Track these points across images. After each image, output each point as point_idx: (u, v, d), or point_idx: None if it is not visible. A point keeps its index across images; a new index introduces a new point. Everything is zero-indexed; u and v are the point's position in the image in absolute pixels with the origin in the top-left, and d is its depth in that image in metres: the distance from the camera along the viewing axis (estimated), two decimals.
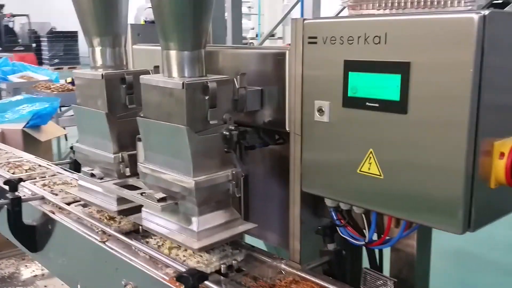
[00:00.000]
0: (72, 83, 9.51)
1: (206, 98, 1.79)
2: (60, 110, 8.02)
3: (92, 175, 2.24)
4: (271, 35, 11.13)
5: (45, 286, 3.39)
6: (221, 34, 3.64)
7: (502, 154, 1.45)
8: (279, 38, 17.24)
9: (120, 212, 2.18)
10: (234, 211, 1.95)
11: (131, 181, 2.20)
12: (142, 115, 2.05)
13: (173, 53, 1.84)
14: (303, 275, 1.78)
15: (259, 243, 2.31)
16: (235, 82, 1.90)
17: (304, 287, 1.70)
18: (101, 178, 2.22)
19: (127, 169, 2.18)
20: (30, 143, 5.33)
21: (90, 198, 2.32)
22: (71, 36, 25.97)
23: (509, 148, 1.44)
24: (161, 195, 1.88)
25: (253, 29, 16.42)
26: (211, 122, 1.81)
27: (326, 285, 1.70)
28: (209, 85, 1.78)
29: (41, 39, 25.92)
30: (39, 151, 4.24)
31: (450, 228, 1.47)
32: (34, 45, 24.71)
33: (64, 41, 25.71)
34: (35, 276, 3.50)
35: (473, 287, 4.18)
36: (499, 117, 1.49)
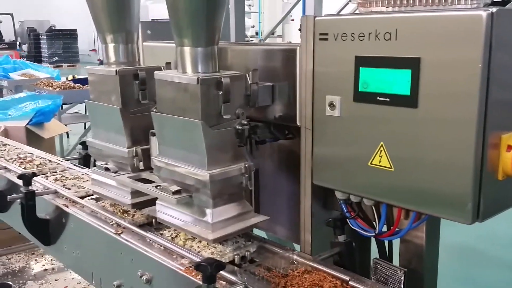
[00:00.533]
0: (74, 80, 9.56)
1: (220, 93, 1.84)
2: (62, 108, 8.07)
3: (107, 169, 2.29)
4: (271, 33, 11.17)
5: (56, 280, 3.44)
6: (224, 32, 3.69)
7: (509, 147, 1.50)
8: (279, 36, 17.29)
9: (134, 205, 2.23)
10: (247, 203, 2.00)
11: (145, 175, 2.25)
12: (155, 110, 2.10)
13: (187, 49, 1.89)
14: (315, 265, 1.82)
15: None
16: (247, 77, 1.95)
17: (316, 276, 1.75)
18: (115, 172, 2.27)
19: (141, 163, 2.23)
20: (33, 140, 5.36)
21: (104, 191, 2.37)
22: (70, 34, 26.01)
23: None
24: (175, 188, 1.93)
25: (253, 27, 16.45)
26: (224, 116, 1.86)
27: (338, 274, 1.75)
28: (223, 80, 1.83)
29: (40, 37, 25.92)
30: (42, 148, 4.27)
31: (459, 219, 1.52)
32: (18, 42, 24.67)
33: (63, 39, 25.74)
34: (45, 270, 3.55)
35: (475, 281, 4.24)
36: (507, 111, 1.54)
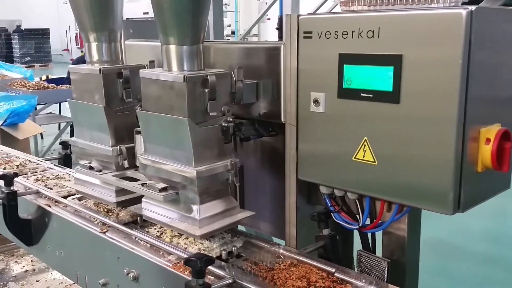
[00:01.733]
0: (47, 80, 9.41)
1: (206, 91, 1.86)
2: (36, 108, 7.95)
3: (91, 168, 2.28)
4: (248, 32, 11.20)
5: (37, 281, 3.40)
6: None
7: (488, 140, 1.56)
8: (255, 35, 17.31)
9: (119, 204, 2.23)
10: (233, 199, 2.03)
11: (129, 173, 2.25)
12: (140, 108, 2.11)
13: (173, 48, 1.90)
14: (301, 258, 1.86)
15: None
16: (233, 75, 1.97)
17: (303, 269, 1.78)
18: (100, 171, 2.27)
19: (125, 162, 2.23)
20: (7, 142, 5.28)
21: (88, 190, 2.36)
22: (43, 34, 25.55)
23: (495, 134, 1.56)
24: (162, 185, 1.95)
25: (229, 26, 16.44)
26: (210, 114, 1.88)
27: (323, 267, 1.79)
28: (209, 78, 1.85)
29: (12, 36, 25.40)
30: (16, 150, 4.22)
31: (441, 210, 1.58)
32: None
33: (35, 38, 25.27)
34: (26, 271, 3.51)
35: (451, 275, 4.35)
36: (485, 106, 1.60)
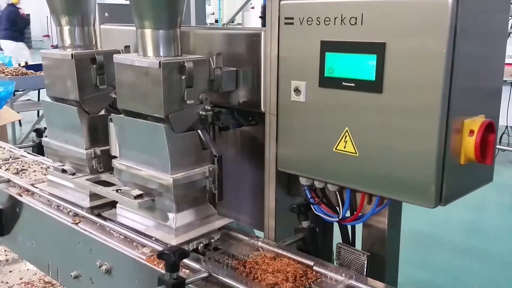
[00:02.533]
0: (26, 66, 9.22)
1: (183, 77, 1.79)
2: (14, 95, 7.77)
3: (64, 171, 2.20)
4: (231, 21, 11.09)
5: (10, 272, 3.31)
6: (184, 18, 3.61)
7: (471, 132, 1.52)
8: (239, 24, 17.17)
9: (93, 208, 2.15)
10: (210, 206, 1.97)
11: (104, 176, 2.17)
12: (114, 95, 2.03)
13: (148, 32, 1.82)
14: (279, 251, 1.81)
15: None
16: (211, 62, 1.90)
17: (281, 263, 1.73)
18: (73, 174, 2.19)
19: (100, 165, 2.16)
20: None
21: (61, 194, 2.27)
22: None
23: (479, 125, 1.52)
24: (137, 192, 1.88)
25: (213, 14, 16.25)
26: (187, 102, 1.81)
27: (302, 260, 1.74)
28: (186, 64, 1.78)
29: None
30: None
31: (423, 203, 1.54)
32: None
33: None
34: None
35: (432, 266, 4.36)
36: (470, 97, 1.56)
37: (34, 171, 2.70)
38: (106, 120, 2.04)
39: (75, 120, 2.13)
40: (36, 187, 2.42)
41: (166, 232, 1.85)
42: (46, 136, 2.38)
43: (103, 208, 2.14)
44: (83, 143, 2.15)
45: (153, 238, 1.88)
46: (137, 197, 1.87)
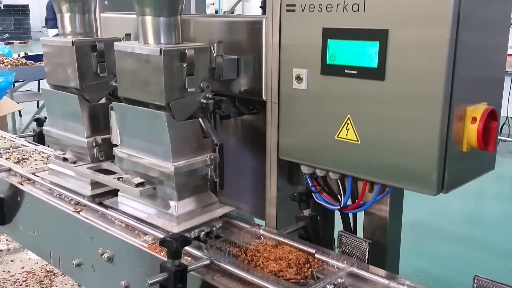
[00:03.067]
0: (26, 57, 9.18)
1: (184, 65, 1.78)
2: (14, 85, 7.76)
3: (65, 159, 2.20)
4: (231, 12, 11.06)
5: (12, 261, 3.33)
6: (184, 7, 3.60)
7: (474, 119, 1.52)
8: (239, 14, 17.11)
9: (94, 197, 2.14)
10: (212, 195, 1.97)
11: (105, 165, 2.16)
12: (115, 83, 2.02)
13: (149, 19, 1.81)
14: (281, 239, 1.81)
15: None
16: (212, 50, 1.89)
17: (283, 250, 1.74)
18: (74, 162, 2.18)
19: (101, 153, 2.15)
20: None
21: (62, 182, 2.26)
22: (22, 10, 24.95)
23: (481, 113, 1.51)
24: (138, 180, 1.87)
25: (213, 4, 16.20)
26: (189, 89, 1.80)
27: (304, 247, 1.74)
28: (187, 52, 1.77)
29: None
30: None
31: (425, 190, 1.54)
32: None
33: (15, 15, 24.66)
34: (1, 251, 3.43)
35: (432, 256, 4.37)
36: (472, 84, 1.55)
37: (35, 160, 2.70)
38: (107, 109, 2.03)
39: (76, 108, 2.12)
40: (37, 176, 2.42)
41: (168, 220, 1.85)
42: (47, 125, 2.37)
43: (104, 196, 2.14)
44: (84, 131, 2.14)
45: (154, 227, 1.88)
46: (139, 185, 1.86)
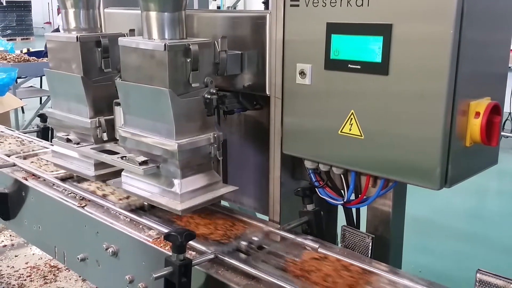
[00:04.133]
0: (28, 53, 9.19)
1: (188, 60, 1.79)
2: (16, 82, 7.77)
3: (68, 140, 2.20)
4: (234, 7, 11.02)
5: (16, 256, 3.34)
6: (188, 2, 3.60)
7: (477, 114, 1.52)
8: (242, 10, 17.06)
9: (98, 177, 2.16)
10: (215, 173, 1.98)
11: (109, 146, 2.18)
12: (119, 79, 2.03)
13: (153, 14, 1.82)
14: (284, 234, 1.82)
15: None
16: (216, 45, 1.90)
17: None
18: (78, 144, 2.19)
19: (104, 134, 2.16)
20: None
21: (66, 164, 2.28)
22: (24, 6, 24.95)
23: (484, 107, 1.51)
24: (142, 158, 1.88)
25: (215, 0, 16.17)
26: (193, 85, 1.81)
27: (307, 242, 1.75)
28: (191, 47, 1.77)
29: None
30: None
31: (428, 185, 1.54)
32: None
33: (17, 11, 24.67)
34: (5, 246, 3.44)
35: (432, 252, 4.38)
36: (476, 80, 1.55)
37: (39, 155, 2.71)
38: (110, 89, 2.02)
39: (79, 89, 2.12)
40: (42, 172, 2.43)
41: (171, 198, 1.86)
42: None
43: (108, 177, 2.15)
44: (87, 112, 2.15)
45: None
46: (142, 163, 1.86)
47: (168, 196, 1.87)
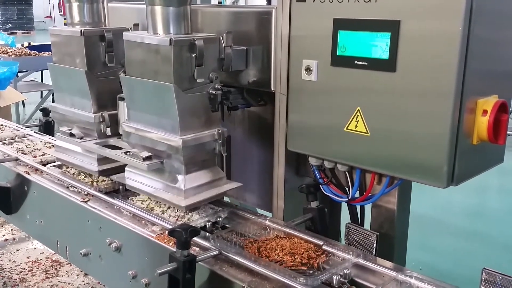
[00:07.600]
0: (29, 47, 9.17)
1: (193, 55, 1.78)
2: (17, 76, 7.75)
3: (72, 135, 2.19)
4: (235, 2, 11.00)
5: (17, 250, 3.34)
6: None
7: (485, 112, 1.51)
8: (247, 5, 17.02)
9: (101, 172, 2.16)
10: (219, 170, 1.97)
11: (112, 141, 2.17)
12: (123, 74, 2.02)
13: (158, 9, 1.80)
14: (288, 230, 1.81)
15: None
16: (221, 40, 1.89)
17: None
18: (81, 138, 2.18)
19: (108, 129, 2.15)
20: None
21: (69, 158, 2.27)
22: (25, 0, 24.90)
23: (492, 105, 1.50)
24: (146, 154, 1.87)
25: None
26: (198, 80, 1.80)
27: (311, 239, 1.75)
28: (196, 42, 1.76)
29: None
30: None
31: (434, 183, 1.54)
32: None
33: (18, 5, 24.62)
34: (6, 240, 3.44)
35: (434, 249, 4.38)
36: (483, 78, 1.54)
37: (41, 149, 2.70)
38: (114, 84, 2.01)
39: (82, 83, 2.11)
40: (44, 166, 2.42)
41: (175, 194, 1.85)
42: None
43: (111, 173, 2.14)
44: (91, 106, 2.14)
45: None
46: (146, 159, 1.85)
47: (172, 192, 1.87)
